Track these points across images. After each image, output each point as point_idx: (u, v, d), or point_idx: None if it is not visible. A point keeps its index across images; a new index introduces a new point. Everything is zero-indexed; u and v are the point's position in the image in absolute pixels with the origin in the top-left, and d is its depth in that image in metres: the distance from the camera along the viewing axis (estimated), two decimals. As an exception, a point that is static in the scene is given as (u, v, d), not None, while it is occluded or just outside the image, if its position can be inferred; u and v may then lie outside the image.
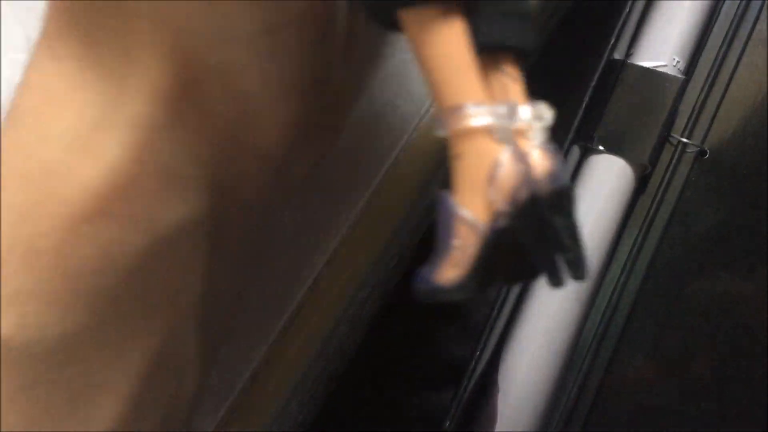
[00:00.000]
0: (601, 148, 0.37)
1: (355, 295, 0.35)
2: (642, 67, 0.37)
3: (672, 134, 0.38)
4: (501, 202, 0.17)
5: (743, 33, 0.38)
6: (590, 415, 0.37)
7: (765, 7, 0.38)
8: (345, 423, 0.39)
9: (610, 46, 0.36)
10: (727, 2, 0.39)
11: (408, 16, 0.18)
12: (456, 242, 0.18)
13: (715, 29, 0.38)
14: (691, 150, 0.37)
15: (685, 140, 0.37)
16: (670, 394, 0.36)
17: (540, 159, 0.17)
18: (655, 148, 0.37)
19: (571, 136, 0.37)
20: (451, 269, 0.18)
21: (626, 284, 0.37)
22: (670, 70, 0.37)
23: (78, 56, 0.19)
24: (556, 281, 0.18)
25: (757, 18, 0.38)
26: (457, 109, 0.17)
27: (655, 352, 0.37)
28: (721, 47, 0.38)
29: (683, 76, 0.37)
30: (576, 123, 0.35)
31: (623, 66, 0.37)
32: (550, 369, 0.37)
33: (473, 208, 0.17)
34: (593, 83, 0.36)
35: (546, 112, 0.18)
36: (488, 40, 0.18)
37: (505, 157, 0.17)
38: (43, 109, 0.19)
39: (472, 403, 0.37)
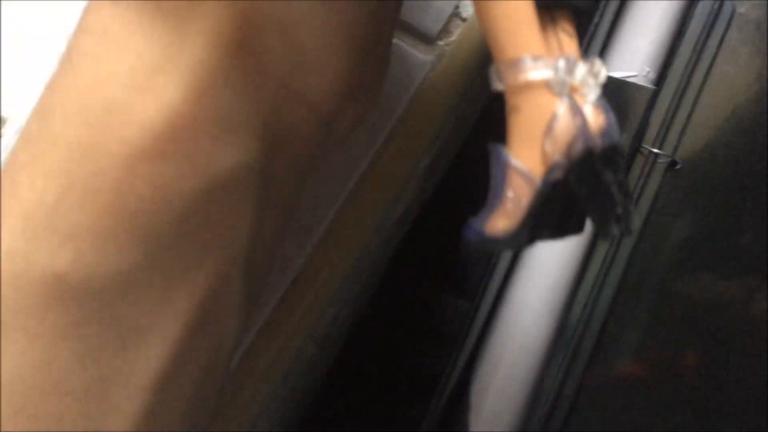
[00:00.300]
0: (572, 159, 0.37)
1: (324, 311, 0.34)
2: (612, 78, 0.36)
3: (643, 145, 0.37)
4: (557, 155, 0.17)
5: (713, 43, 0.38)
6: (564, 426, 0.36)
7: (735, 17, 0.38)
8: (316, 441, 0.39)
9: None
10: (697, 12, 0.38)
11: None
12: (509, 193, 0.18)
13: (686, 39, 0.38)
14: (663, 161, 0.37)
15: (656, 151, 0.37)
16: (643, 411, 0.36)
17: (594, 115, 0.18)
18: (626, 159, 0.37)
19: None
20: (503, 220, 0.18)
21: (599, 296, 0.37)
22: (640, 80, 0.37)
23: (131, 18, 0.19)
24: (606, 233, 0.18)
25: (727, 27, 0.38)
26: (516, 62, 0.17)
27: (629, 366, 0.37)
28: (691, 57, 0.38)
29: (654, 87, 0.37)
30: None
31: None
32: (523, 384, 0.36)
33: (528, 160, 0.18)
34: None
35: (601, 69, 0.18)
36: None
37: (562, 110, 0.17)
38: (102, 51, 0.19)
39: (444, 419, 0.36)
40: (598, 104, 0.18)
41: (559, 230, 0.19)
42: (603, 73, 0.18)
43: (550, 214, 0.18)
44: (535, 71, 0.17)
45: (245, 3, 0.19)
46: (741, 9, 0.38)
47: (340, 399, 0.40)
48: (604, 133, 0.17)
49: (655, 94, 0.37)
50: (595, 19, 0.37)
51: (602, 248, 0.37)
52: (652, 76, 0.37)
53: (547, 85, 0.17)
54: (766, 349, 0.35)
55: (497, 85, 0.18)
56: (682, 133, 0.37)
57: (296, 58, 0.20)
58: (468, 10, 0.34)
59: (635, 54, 0.37)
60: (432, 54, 0.33)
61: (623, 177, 0.18)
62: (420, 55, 0.33)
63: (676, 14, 0.37)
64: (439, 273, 0.38)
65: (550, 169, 0.17)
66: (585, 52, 0.37)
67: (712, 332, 0.36)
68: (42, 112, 0.20)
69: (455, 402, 0.36)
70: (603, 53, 0.37)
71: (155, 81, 0.19)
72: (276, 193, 0.23)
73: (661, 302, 0.37)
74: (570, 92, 0.18)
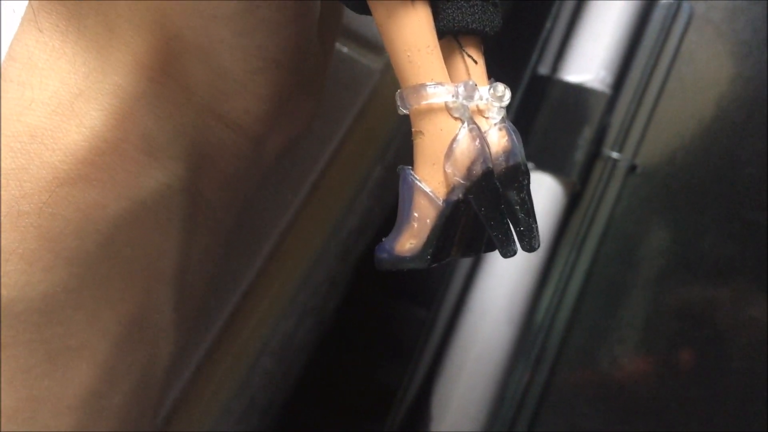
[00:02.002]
0: (530, 165, 0.36)
1: (278, 325, 0.34)
2: (567, 83, 0.36)
3: (602, 150, 0.37)
4: (457, 177, 0.18)
5: (672, 45, 0.38)
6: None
7: (693, 19, 0.38)
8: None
9: (534, 60, 0.36)
10: (654, 14, 0.38)
11: (376, 2, 0.19)
12: (415, 213, 0.19)
13: (643, 42, 0.38)
14: (622, 165, 0.37)
15: (615, 155, 0.37)
16: (606, 411, 0.35)
17: (498, 137, 0.19)
18: (584, 164, 0.36)
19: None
20: (410, 239, 0.19)
21: (560, 303, 0.36)
22: (596, 85, 0.36)
23: (61, 29, 0.20)
24: (507, 252, 0.19)
25: (686, 29, 0.38)
26: (419, 89, 0.18)
27: (591, 368, 0.36)
28: (649, 60, 0.37)
29: (609, 91, 0.36)
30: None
31: (549, 81, 0.36)
32: (485, 394, 0.36)
33: (432, 181, 0.19)
34: (518, 99, 0.36)
35: (505, 93, 0.19)
36: (450, 24, 0.19)
37: (462, 134, 0.18)
38: (26, 77, 0.20)
39: (405, 430, 0.36)
40: (502, 126, 0.19)
41: (469, 249, 0.20)
42: (507, 96, 0.19)
43: (456, 234, 0.19)
44: (436, 97, 0.18)
45: (165, 30, 0.20)
46: (699, 10, 0.38)
47: (306, 413, 0.39)
48: (507, 153, 0.19)
49: (610, 99, 0.36)
50: (549, 24, 0.36)
51: (563, 255, 0.37)
52: (609, 80, 0.36)
53: (447, 109, 0.18)
54: (731, 355, 0.35)
55: (402, 110, 0.19)
56: (642, 136, 0.37)
57: (219, 82, 0.21)
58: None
59: (591, 58, 0.36)
60: (380, 62, 0.32)
61: (526, 195, 0.19)
62: (368, 63, 0.32)
63: (633, 17, 0.37)
64: (397, 283, 0.38)
65: (450, 190, 0.18)
66: (539, 55, 0.36)
67: (676, 339, 0.36)
68: None
69: (415, 414, 0.36)
70: (558, 57, 0.37)
71: (78, 107, 0.20)
72: (205, 213, 0.23)
73: (622, 308, 0.36)
74: (473, 115, 0.19)
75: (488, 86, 0.19)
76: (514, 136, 0.19)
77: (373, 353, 0.38)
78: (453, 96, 0.18)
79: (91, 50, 0.20)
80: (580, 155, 0.36)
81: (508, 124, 0.19)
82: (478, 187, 0.18)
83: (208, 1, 0.19)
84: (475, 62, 0.20)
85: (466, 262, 0.36)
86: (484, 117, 0.19)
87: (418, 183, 0.19)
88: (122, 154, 0.20)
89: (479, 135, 0.18)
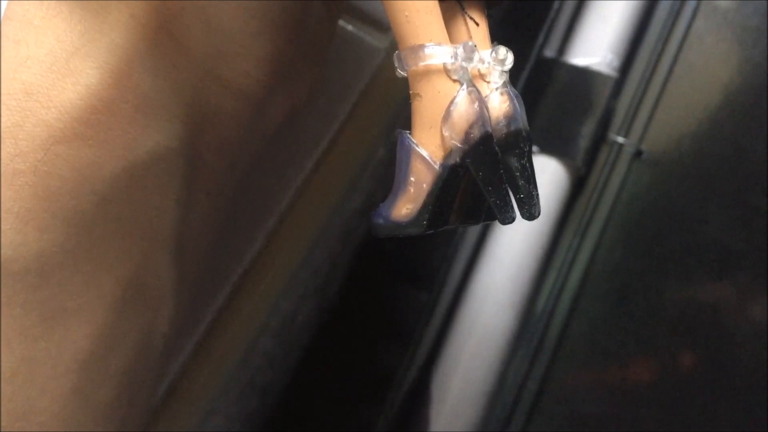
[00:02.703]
0: (535, 149, 0.36)
1: (278, 304, 0.33)
2: (574, 66, 0.36)
3: (608, 134, 0.37)
4: (455, 140, 0.18)
5: (679, 31, 0.37)
6: (527, 422, 0.35)
7: (701, 5, 0.38)
8: (275, 437, 0.38)
9: (540, 43, 0.36)
10: (662, 2, 0.38)
11: None
12: (412, 178, 0.18)
13: (651, 27, 0.37)
14: (627, 150, 0.36)
15: (620, 140, 0.36)
16: (606, 400, 0.35)
17: (499, 101, 0.18)
18: (589, 148, 0.36)
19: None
20: (407, 205, 0.18)
21: (563, 287, 0.36)
22: (603, 69, 0.36)
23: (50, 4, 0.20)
24: (505, 218, 0.18)
25: (694, 15, 0.37)
26: (416, 49, 0.18)
27: (593, 356, 0.36)
28: (657, 45, 0.37)
29: (616, 75, 0.36)
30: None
31: (555, 64, 0.36)
32: (486, 376, 0.35)
33: (429, 145, 0.18)
34: (523, 82, 0.35)
35: (507, 56, 0.19)
36: None
37: (461, 96, 0.18)
38: (22, 35, 0.20)
39: (403, 413, 0.35)
40: (504, 91, 0.19)
41: (468, 216, 0.20)
42: (509, 60, 0.19)
43: (454, 200, 0.19)
44: (434, 58, 0.18)
45: None
46: (708, -4, 0.38)
47: (307, 396, 0.39)
48: (509, 118, 0.18)
49: (617, 83, 0.36)
50: (556, 5, 0.36)
51: (567, 239, 0.36)
52: (616, 64, 0.36)
53: (446, 71, 0.18)
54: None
55: (400, 72, 0.19)
56: (648, 122, 0.37)
57: (218, 43, 0.21)
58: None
59: (598, 41, 0.36)
60: (386, 41, 0.32)
61: (527, 162, 0.18)
62: (374, 42, 0.32)
63: (641, 2, 0.37)
64: (400, 265, 0.38)
65: (448, 154, 0.18)
66: (545, 38, 0.36)
67: (679, 328, 0.36)
68: None
69: (416, 396, 0.36)
70: (565, 40, 0.37)
71: (73, 64, 0.19)
72: (205, 177, 0.23)
73: (624, 295, 0.36)
74: (475, 79, 0.18)
75: (490, 49, 0.19)
76: (515, 101, 0.19)
77: (375, 336, 0.38)
78: (452, 57, 0.18)
79: (87, 8, 0.20)
80: (585, 139, 0.36)
81: (510, 88, 0.19)
82: (476, 151, 0.18)
83: None
84: (477, 24, 0.19)
85: (468, 245, 0.36)
86: (485, 81, 0.19)
87: (415, 146, 0.18)
88: (118, 113, 0.20)
89: (478, 98, 0.18)
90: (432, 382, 0.36)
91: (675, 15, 0.37)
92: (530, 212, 0.19)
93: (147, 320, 0.22)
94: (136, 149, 0.20)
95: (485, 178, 0.18)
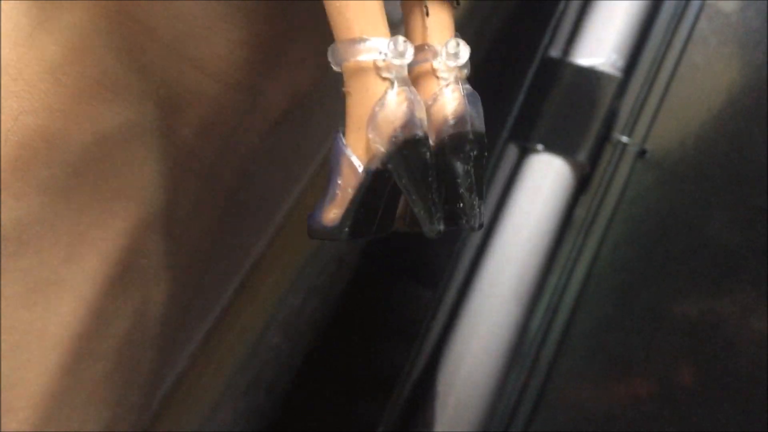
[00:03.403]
0: (539, 147, 0.36)
1: (285, 299, 0.34)
2: (579, 66, 0.36)
3: (612, 134, 0.37)
4: (378, 144, 0.17)
5: (683, 32, 0.38)
6: (531, 420, 0.36)
7: (705, 7, 0.38)
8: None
9: (545, 43, 0.36)
10: (666, 3, 0.38)
11: None
12: (339, 182, 0.17)
13: (655, 28, 0.38)
14: (631, 149, 0.37)
15: (624, 140, 0.37)
16: (611, 399, 0.36)
17: (448, 100, 0.17)
18: (594, 147, 0.36)
19: (506, 133, 0.36)
20: (333, 209, 0.17)
21: (567, 285, 0.36)
22: (608, 69, 0.36)
23: None
24: (429, 230, 0.17)
25: (697, 17, 0.38)
26: (347, 44, 0.17)
27: (597, 354, 0.36)
28: (661, 46, 0.37)
29: (621, 75, 0.37)
30: (511, 121, 0.35)
31: (560, 64, 0.36)
32: (490, 373, 0.36)
33: (357, 149, 0.17)
34: (529, 81, 0.36)
35: (460, 50, 0.18)
36: None
37: (388, 96, 0.17)
38: None
39: (407, 409, 0.36)
40: (455, 88, 0.17)
41: (388, 226, 0.18)
42: (462, 54, 0.18)
43: (381, 208, 0.18)
44: (364, 54, 0.17)
45: None
46: (711, -1, 0.38)
47: (313, 392, 0.39)
48: (456, 119, 0.17)
49: (621, 83, 0.37)
50: (561, 6, 0.37)
51: (571, 237, 0.37)
52: (620, 64, 0.37)
53: (376, 68, 0.17)
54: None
55: (334, 67, 0.17)
56: (652, 122, 0.37)
57: (182, 25, 0.21)
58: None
59: (602, 42, 0.36)
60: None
61: (472, 168, 0.17)
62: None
63: (646, 2, 0.37)
64: (405, 263, 0.38)
65: (371, 158, 0.17)
66: (551, 38, 0.37)
67: (682, 325, 0.36)
68: None
69: (420, 392, 0.36)
70: (570, 40, 0.37)
71: (37, 39, 0.20)
72: (188, 158, 0.23)
73: (627, 294, 0.36)
74: (423, 75, 0.17)
75: (441, 45, 0.18)
76: (466, 100, 0.17)
77: (381, 333, 0.38)
78: (382, 53, 0.17)
79: None
80: (590, 138, 0.36)
81: (464, 86, 0.18)
82: (399, 156, 0.16)
83: None
84: (435, 19, 0.18)
85: (473, 242, 0.37)
86: (436, 77, 0.18)
87: (344, 148, 0.17)
88: (83, 88, 0.20)
89: (409, 98, 0.17)
90: (437, 378, 0.36)
91: (678, 17, 0.38)
92: (470, 223, 0.17)
93: (138, 302, 0.23)
94: (104, 124, 0.21)
95: (407, 185, 0.17)
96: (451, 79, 0.18)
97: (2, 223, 0.20)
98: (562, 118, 0.36)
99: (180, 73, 0.21)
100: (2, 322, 0.20)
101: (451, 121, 0.17)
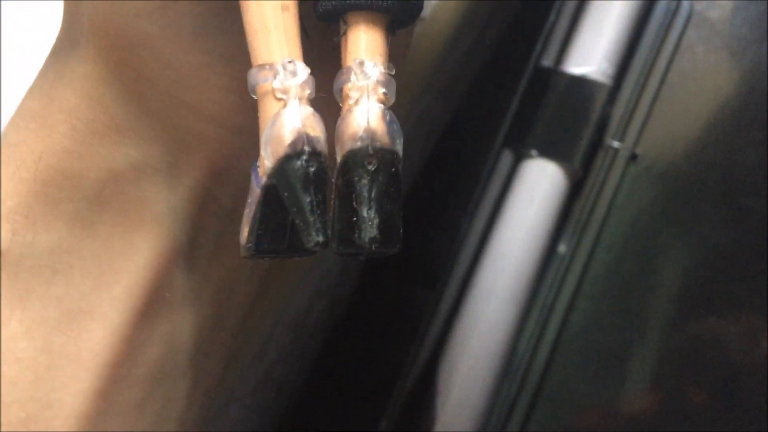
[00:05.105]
0: (534, 152, 0.38)
1: (293, 298, 0.35)
2: (570, 74, 0.38)
3: (604, 139, 0.39)
4: (267, 160, 0.17)
5: (671, 41, 0.39)
6: (527, 419, 0.37)
7: (692, 16, 0.40)
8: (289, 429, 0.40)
9: (537, 53, 0.38)
10: (655, 11, 0.40)
11: None
12: (249, 200, 0.18)
13: (645, 37, 0.39)
14: (623, 154, 0.38)
15: (616, 145, 0.38)
16: (605, 393, 0.37)
17: (356, 116, 0.18)
18: (586, 152, 0.38)
19: (501, 139, 0.38)
20: (246, 227, 0.18)
21: (562, 286, 0.38)
22: (598, 77, 0.38)
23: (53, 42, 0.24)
24: (307, 241, 0.17)
25: (685, 26, 0.39)
26: (251, 72, 0.18)
27: (592, 354, 0.37)
28: (650, 54, 0.39)
29: (611, 83, 0.38)
30: (506, 127, 0.36)
31: (552, 73, 0.38)
32: (489, 369, 0.37)
33: (262, 166, 0.18)
34: (522, 89, 0.37)
35: (368, 70, 0.18)
36: (327, 7, 0.18)
37: (280, 115, 0.18)
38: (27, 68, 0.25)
39: (409, 405, 0.37)
40: (362, 106, 0.18)
41: (291, 245, 0.19)
42: (373, 74, 0.18)
43: (283, 222, 0.18)
44: (261, 78, 0.18)
45: (114, 26, 0.22)
46: (698, 8, 0.40)
47: (321, 390, 0.41)
48: (357, 135, 0.18)
49: (611, 91, 0.38)
50: (553, 17, 0.38)
51: (566, 239, 0.38)
52: (611, 72, 0.38)
53: (273, 91, 0.18)
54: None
55: (251, 94, 0.19)
56: (642, 127, 0.39)
57: (173, 74, 0.22)
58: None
59: (593, 51, 0.38)
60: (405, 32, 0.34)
61: (369, 183, 0.18)
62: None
63: (634, 11, 0.39)
64: (407, 265, 0.40)
65: (264, 175, 0.18)
66: (543, 48, 0.38)
67: (676, 322, 0.37)
68: None
69: (421, 390, 0.37)
70: (561, 50, 0.39)
71: (57, 91, 0.23)
72: (202, 198, 0.24)
73: (620, 292, 0.38)
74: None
75: (355, 62, 0.18)
76: (367, 117, 0.18)
77: (385, 333, 0.40)
78: (274, 76, 0.18)
79: (63, 42, 0.23)
80: (582, 144, 0.38)
81: (372, 104, 0.18)
82: (279, 170, 0.17)
83: (129, 1, 0.21)
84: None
85: (471, 243, 0.38)
86: (349, 94, 0.18)
87: (255, 166, 0.18)
88: (95, 131, 0.22)
89: (296, 116, 0.17)
90: (436, 378, 0.38)
91: (667, 26, 0.39)
92: (360, 236, 0.18)
93: (167, 331, 0.24)
94: (116, 163, 0.23)
95: (287, 198, 0.17)
96: (359, 96, 0.18)
97: (36, 252, 0.22)
98: (555, 124, 0.38)
99: (180, 117, 0.23)
100: (40, 343, 0.22)
101: (353, 138, 0.18)
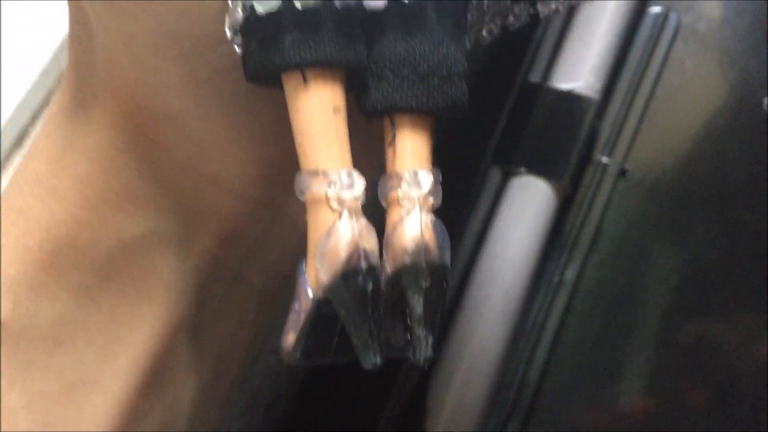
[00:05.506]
0: (522, 169, 0.38)
1: (277, 323, 0.35)
2: (558, 90, 0.38)
3: (593, 154, 0.38)
4: (322, 274, 0.17)
5: (659, 54, 0.39)
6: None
7: (680, 30, 0.40)
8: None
9: (525, 68, 0.37)
10: (643, 25, 0.40)
11: (285, 79, 0.18)
12: (296, 306, 0.18)
13: (632, 51, 0.39)
14: (612, 169, 0.38)
15: (605, 160, 0.38)
16: (598, 412, 0.36)
17: (405, 230, 0.17)
18: (575, 167, 0.38)
19: (489, 156, 0.37)
20: (291, 333, 0.18)
21: (553, 304, 0.37)
22: (586, 92, 0.38)
23: (60, 100, 0.23)
24: (366, 363, 0.17)
25: (672, 41, 0.39)
26: (303, 175, 0.18)
27: (583, 370, 0.37)
28: (638, 68, 0.39)
29: (599, 98, 0.38)
30: (494, 144, 0.36)
31: (539, 88, 0.38)
32: (480, 392, 0.37)
33: (311, 275, 0.18)
34: (510, 106, 0.37)
35: (421, 180, 0.18)
36: (375, 103, 0.18)
37: (335, 228, 0.17)
38: (39, 132, 0.23)
39: (399, 426, 0.37)
40: (415, 218, 0.18)
41: (338, 353, 0.19)
42: (426, 184, 0.18)
43: (333, 335, 0.18)
44: (315, 186, 0.17)
45: (134, 100, 0.21)
46: (686, 21, 0.40)
47: (308, 412, 0.41)
48: (411, 251, 0.17)
49: (600, 106, 0.38)
50: (540, 33, 0.38)
51: (555, 255, 0.38)
52: (598, 87, 0.38)
53: (327, 199, 0.17)
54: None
55: (299, 197, 0.18)
56: (631, 141, 0.38)
57: (195, 145, 0.22)
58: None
59: (580, 66, 0.38)
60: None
61: (423, 300, 0.17)
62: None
63: (622, 26, 0.39)
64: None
65: (317, 288, 0.17)
66: (530, 64, 0.38)
67: (665, 335, 0.37)
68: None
69: (409, 418, 0.37)
70: (549, 65, 0.38)
71: (68, 157, 0.22)
72: (214, 266, 0.24)
73: (610, 308, 0.37)
74: (391, 204, 0.18)
75: (408, 172, 0.18)
76: (426, 229, 0.17)
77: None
78: (330, 186, 0.17)
79: (77, 112, 0.22)
80: (571, 160, 0.37)
81: (424, 216, 0.18)
82: (337, 288, 0.17)
83: (160, 76, 0.20)
84: (392, 142, 0.18)
85: (460, 262, 0.38)
86: (399, 205, 0.18)
87: (303, 274, 0.18)
88: (107, 200, 0.22)
89: (354, 230, 0.17)
90: (427, 399, 0.37)
91: (655, 39, 0.39)
92: (415, 356, 0.18)
93: (169, 399, 0.24)
94: (128, 233, 0.22)
95: (345, 317, 0.17)
96: (411, 207, 0.18)
97: (39, 324, 0.21)
98: (543, 140, 0.38)
99: (197, 188, 0.23)
100: (40, 417, 0.22)
101: (406, 252, 0.17)
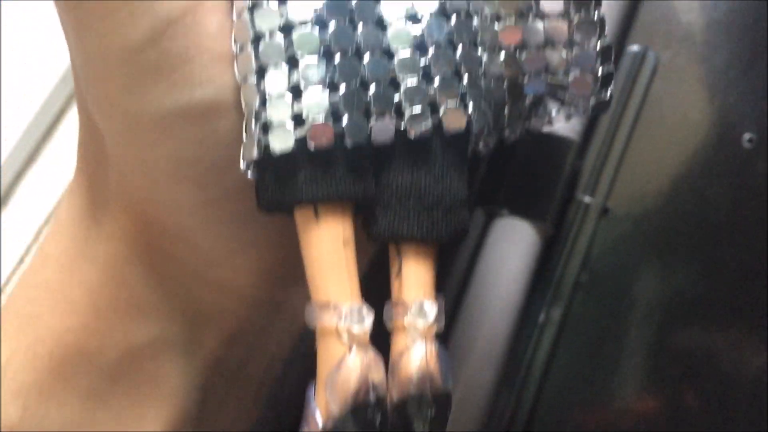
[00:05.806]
0: (504, 211, 0.38)
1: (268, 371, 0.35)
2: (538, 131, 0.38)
3: (575, 194, 0.38)
4: (331, 405, 0.18)
5: (639, 92, 0.39)
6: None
7: (659, 66, 0.40)
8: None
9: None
10: (622, 63, 0.40)
11: (297, 212, 0.19)
12: (305, 429, 0.19)
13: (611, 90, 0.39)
14: (594, 208, 0.38)
15: (587, 200, 0.38)
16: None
17: (411, 360, 0.18)
18: (557, 208, 0.38)
19: (473, 199, 0.37)
20: None
21: (539, 345, 0.38)
22: (566, 133, 0.38)
23: (70, 204, 0.24)
24: None
25: (651, 78, 0.39)
26: (313, 307, 0.18)
27: (570, 409, 0.37)
28: (617, 107, 0.39)
29: (579, 138, 0.38)
30: (476, 187, 0.36)
31: (520, 131, 0.38)
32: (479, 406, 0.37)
33: (320, 404, 0.18)
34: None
35: (426, 311, 0.18)
36: (381, 231, 0.19)
37: (345, 361, 0.18)
38: (46, 238, 0.24)
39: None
40: (419, 349, 0.18)
41: None
42: (431, 315, 0.18)
43: None
44: (324, 319, 0.18)
45: (145, 217, 0.22)
46: (664, 58, 0.40)
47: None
48: (414, 381, 0.18)
49: (581, 146, 0.38)
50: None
51: (539, 297, 0.38)
52: (578, 127, 0.38)
53: (337, 332, 0.18)
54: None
55: (309, 325, 0.19)
56: (612, 181, 0.39)
57: (203, 256, 0.23)
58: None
59: (560, 107, 0.38)
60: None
61: (428, 427, 0.18)
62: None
63: (600, 67, 0.39)
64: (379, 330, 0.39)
65: (326, 418, 0.18)
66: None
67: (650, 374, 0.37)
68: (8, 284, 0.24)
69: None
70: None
71: (79, 265, 0.23)
72: (216, 364, 0.25)
73: (598, 346, 0.37)
74: (397, 333, 0.18)
75: (415, 303, 0.19)
76: (431, 359, 0.18)
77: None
78: (339, 320, 0.18)
79: (90, 222, 0.23)
80: (553, 201, 0.38)
81: (430, 346, 0.18)
82: (348, 420, 0.17)
83: (173, 196, 0.21)
84: (399, 272, 0.19)
85: (445, 305, 0.38)
86: (404, 333, 0.19)
87: (312, 400, 0.19)
88: (117, 309, 0.23)
89: (364, 364, 0.18)
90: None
91: (634, 78, 0.39)
92: None
93: None
94: (133, 338, 0.23)
95: None
96: (417, 336, 0.18)
97: (48, 427, 0.22)
98: (525, 182, 0.38)
99: (203, 294, 0.24)
100: None
101: (411, 382, 0.18)
